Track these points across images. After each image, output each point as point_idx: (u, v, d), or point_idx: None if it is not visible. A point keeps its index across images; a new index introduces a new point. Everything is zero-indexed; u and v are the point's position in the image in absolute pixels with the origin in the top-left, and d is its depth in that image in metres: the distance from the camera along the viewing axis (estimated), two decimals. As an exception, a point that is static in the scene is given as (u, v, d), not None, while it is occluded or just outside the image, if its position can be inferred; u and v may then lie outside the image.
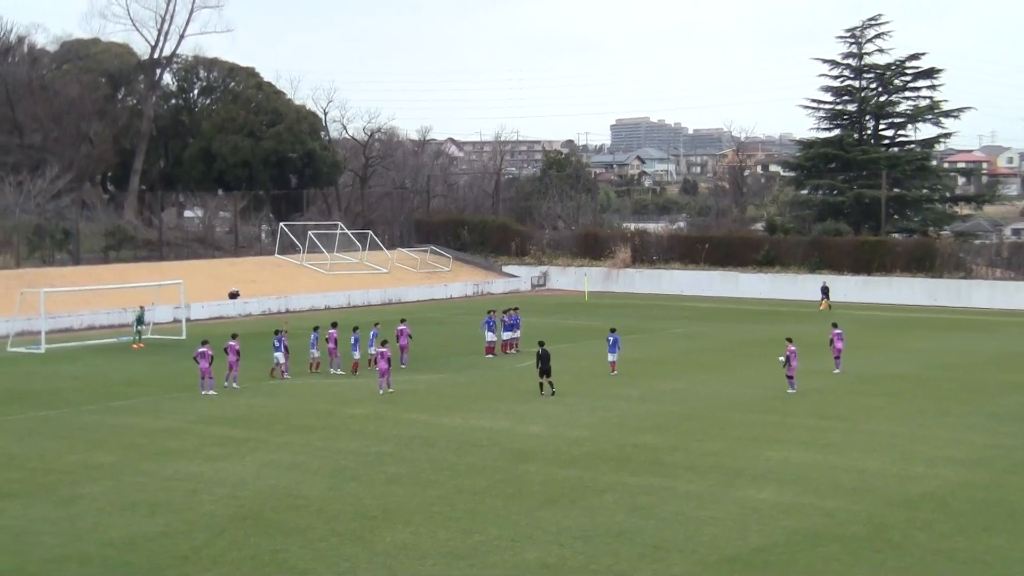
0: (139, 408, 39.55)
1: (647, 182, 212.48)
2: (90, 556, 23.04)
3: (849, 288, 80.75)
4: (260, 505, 26.68)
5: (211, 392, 42.01)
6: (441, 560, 22.74)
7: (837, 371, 46.25)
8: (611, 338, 46.34)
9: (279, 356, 45.63)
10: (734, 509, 26.26)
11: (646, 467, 30.48)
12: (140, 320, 57.01)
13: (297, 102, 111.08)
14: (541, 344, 42.49)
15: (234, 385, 43.21)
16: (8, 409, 39.40)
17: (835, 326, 48.36)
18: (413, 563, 22.54)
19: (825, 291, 76.15)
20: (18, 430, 35.80)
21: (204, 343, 42.92)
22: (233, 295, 72.40)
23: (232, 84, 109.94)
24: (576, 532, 24.46)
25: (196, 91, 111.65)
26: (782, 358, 42.13)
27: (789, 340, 43.13)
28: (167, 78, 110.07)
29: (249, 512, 26.10)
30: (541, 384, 41.54)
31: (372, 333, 47.27)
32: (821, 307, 74.02)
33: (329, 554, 23.07)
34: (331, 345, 46.75)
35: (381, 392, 41.86)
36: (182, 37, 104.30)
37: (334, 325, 48.02)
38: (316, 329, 48.35)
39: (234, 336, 44.51)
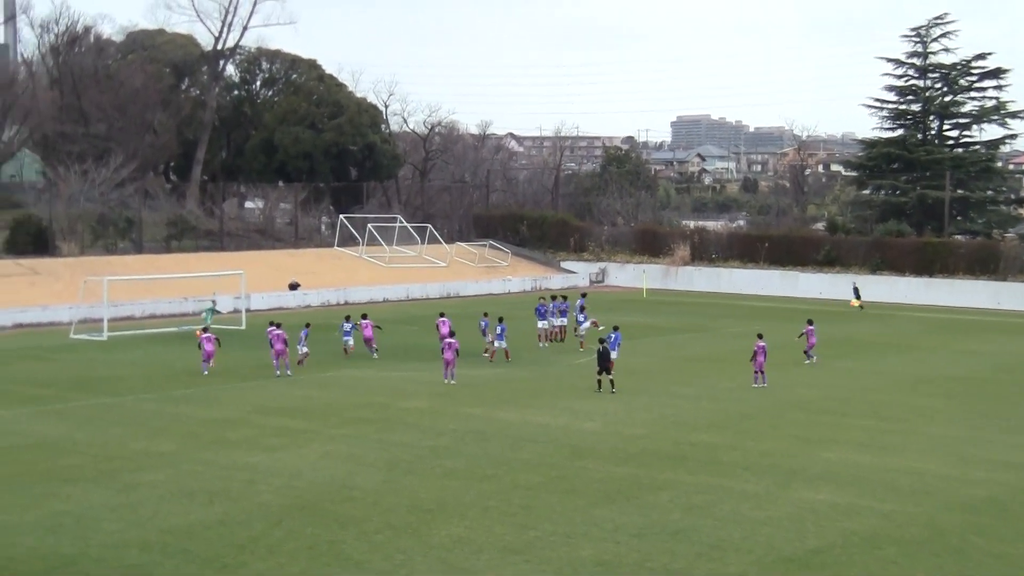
0: (198, 397, 39.91)
1: (707, 179, 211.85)
2: (150, 543, 23.28)
3: (910, 290, 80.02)
4: (316, 496, 26.85)
5: (288, 373, 43.52)
6: (496, 555, 22.78)
7: (808, 361, 48.42)
8: (613, 335, 45.16)
9: (349, 340, 48.50)
10: (791, 509, 26.13)
11: (702, 466, 30.39)
12: (212, 311, 57.31)
13: (358, 95, 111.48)
14: (602, 342, 42.70)
15: (287, 372, 43.98)
16: (72, 395, 39.89)
17: (810, 323, 49.80)
18: (468, 557, 22.60)
19: (856, 291, 75.91)
20: (81, 417, 36.24)
21: (277, 325, 44.40)
22: (293, 286, 72.82)
23: (294, 76, 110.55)
24: (632, 530, 24.42)
25: (258, 82, 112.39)
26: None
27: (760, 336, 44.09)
28: (230, 69, 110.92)
29: (306, 503, 26.27)
30: (599, 381, 41.48)
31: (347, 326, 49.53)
32: (851, 304, 73.92)
33: (384, 546, 23.17)
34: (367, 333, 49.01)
35: (446, 382, 42.15)
36: (245, 28, 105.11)
37: (364, 316, 49.24)
38: (348, 319, 49.95)
39: (277, 324, 45.43)
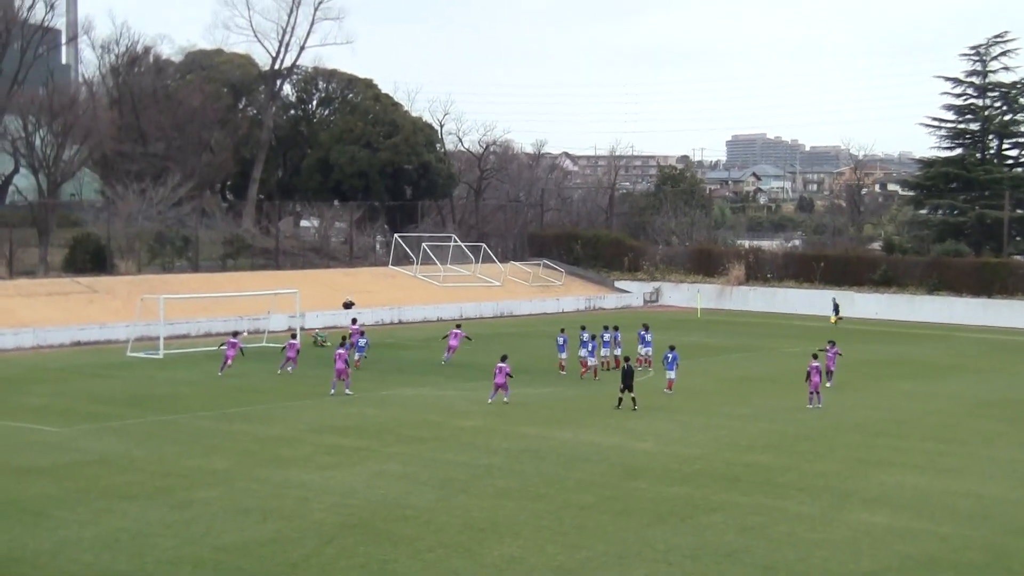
0: (253, 415, 40.12)
1: (762, 199, 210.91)
2: (204, 560, 23.39)
3: (969, 310, 79.29)
4: (369, 514, 26.87)
5: (347, 392, 43.70)
6: (548, 575, 22.69)
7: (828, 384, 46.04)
8: (670, 355, 45.73)
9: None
10: (846, 532, 25.88)
11: (757, 487, 30.18)
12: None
13: (414, 114, 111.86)
14: (627, 360, 43.35)
15: (346, 391, 44.11)
16: (129, 413, 40.21)
17: (832, 344, 48.56)
18: (521, 577, 22.53)
19: (836, 306, 77.39)
20: (139, 434, 36.51)
21: (341, 343, 43.99)
22: (347, 305, 73.07)
23: (350, 95, 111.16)
24: (685, 551, 24.28)
25: (315, 102, 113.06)
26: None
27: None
28: (287, 89, 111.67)
29: (358, 521, 26.29)
30: (620, 399, 41.68)
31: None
32: (832, 321, 75.11)
33: (437, 565, 23.15)
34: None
35: (491, 401, 42.25)
36: (303, 48, 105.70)
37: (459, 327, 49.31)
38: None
39: (342, 343, 45.36)
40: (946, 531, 26.13)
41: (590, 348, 49.38)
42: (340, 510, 27.21)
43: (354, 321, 57.89)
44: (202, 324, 65.00)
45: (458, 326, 57.76)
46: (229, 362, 49.61)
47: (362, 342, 51.94)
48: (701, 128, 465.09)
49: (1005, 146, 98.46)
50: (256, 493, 28.78)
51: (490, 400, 42.59)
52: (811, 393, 42.73)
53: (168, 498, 28.18)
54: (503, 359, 43.73)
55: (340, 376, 44.28)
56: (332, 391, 44.16)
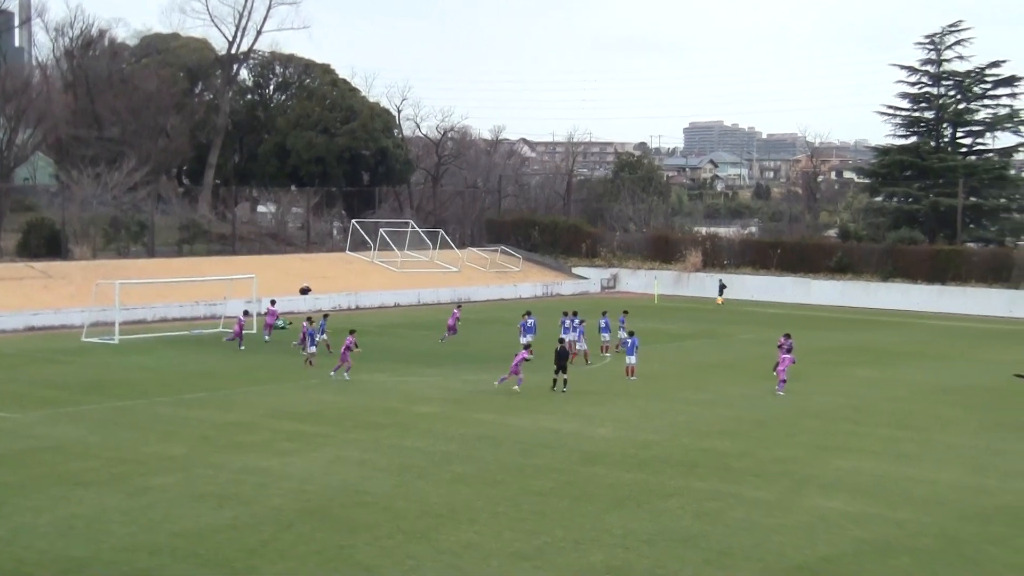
0: (211, 401, 39.92)
1: (719, 186, 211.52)
2: (160, 546, 23.26)
3: (923, 297, 79.86)
4: (327, 500, 26.82)
5: (345, 376, 43.81)
6: (506, 560, 22.74)
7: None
8: (629, 341, 46.05)
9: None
10: (802, 517, 26.04)
11: (714, 472, 30.32)
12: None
13: (371, 99, 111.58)
14: (560, 341, 44.09)
15: (344, 376, 44.25)
16: (85, 399, 39.92)
17: (787, 337, 47.59)
18: (478, 562, 22.56)
19: (721, 287, 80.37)
20: (95, 420, 36.25)
21: (351, 332, 44.83)
22: (304, 291, 72.86)
23: (307, 80, 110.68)
24: (642, 536, 24.37)
25: (272, 87, 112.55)
26: None
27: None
28: (244, 73, 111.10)
29: (316, 507, 26.24)
30: (555, 380, 42.05)
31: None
32: (717, 302, 78.30)
33: (394, 551, 23.14)
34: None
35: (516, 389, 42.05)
36: (259, 33, 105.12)
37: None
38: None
39: (351, 332, 45.36)
40: (902, 516, 26.33)
41: (578, 333, 49.79)
42: (298, 496, 27.14)
43: (272, 303, 58.51)
44: (158, 309, 64.58)
45: (458, 306, 59.52)
46: (240, 338, 53.07)
47: (280, 323, 54.92)
48: (659, 115, 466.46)
49: (959, 134, 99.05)
50: (214, 479, 28.65)
51: (496, 383, 42.44)
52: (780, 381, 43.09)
53: (124, 485, 28.00)
54: (527, 347, 43.90)
55: (343, 360, 44.29)
56: (332, 374, 44.30)
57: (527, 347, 44.32)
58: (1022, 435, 36.32)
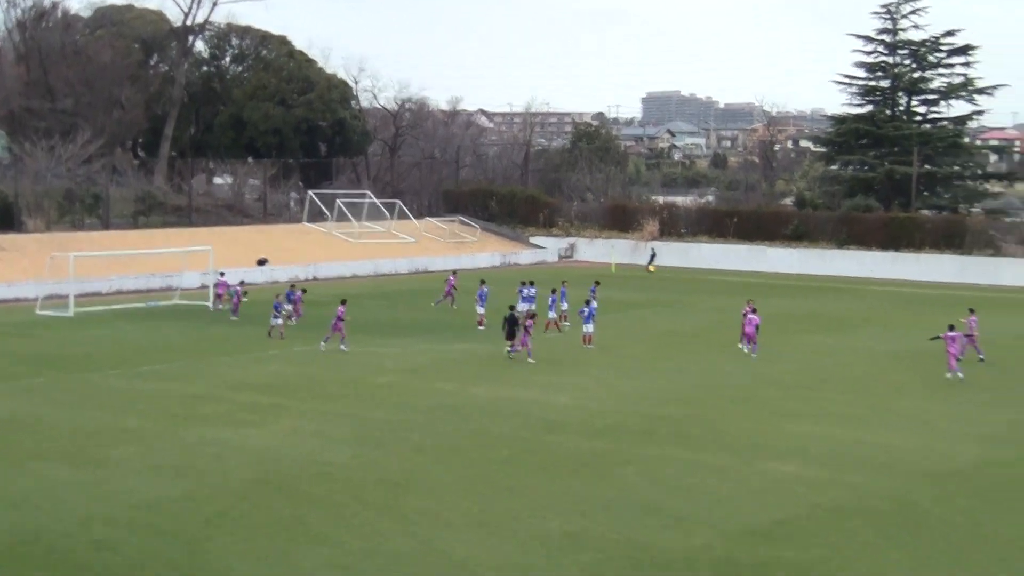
0: (168, 373, 39.76)
1: (677, 155, 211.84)
2: (116, 518, 23.22)
3: (877, 264, 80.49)
4: (286, 471, 26.81)
5: (342, 347, 43.77)
6: (465, 528, 22.83)
7: (747, 349, 44.90)
8: (586, 309, 46.17)
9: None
10: (758, 483, 26.29)
11: (672, 440, 30.51)
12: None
13: (328, 71, 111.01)
14: (511, 308, 44.47)
15: (338, 346, 44.13)
16: (40, 372, 39.65)
17: (751, 306, 46.75)
18: (437, 531, 22.63)
19: (652, 256, 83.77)
20: (50, 393, 36.04)
21: (342, 302, 44.96)
22: (261, 262, 72.62)
23: (264, 52, 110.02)
24: (599, 503, 24.52)
25: (228, 58, 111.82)
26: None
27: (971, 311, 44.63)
28: (199, 45, 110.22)
29: (274, 478, 26.23)
30: (509, 347, 42.50)
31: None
32: (649, 269, 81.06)
33: (352, 521, 23.19)
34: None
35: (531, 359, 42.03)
36: (215, 4, 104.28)
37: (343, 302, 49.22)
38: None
39: (342, 302, 45.47)
40: (855, 480, 26.61)
41: (550, 302, 50.30)
42: (256, 467, 27.12)
43: (221, 274, 59.05)
44: (113, 282, 64.16)
45: (453, 273, 61.03)
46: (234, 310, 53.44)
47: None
48: (617, 85, 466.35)
49: (914, 103, 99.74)
50: (170, 451, 28.58)
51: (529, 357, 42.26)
52: (749, 343, 44.12)
53: (81, 457, 27.90)
54: (531, 316, 44.35)
55: (336, 330, 44.19)
56: (325, 343, 44.22)
57: (531, 316, 44.54)
58: (972, 399, 36.73)
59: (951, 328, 40.71)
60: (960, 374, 39.61)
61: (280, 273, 71.72)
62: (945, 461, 28.62)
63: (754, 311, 45.54)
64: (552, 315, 50.01)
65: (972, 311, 45.19)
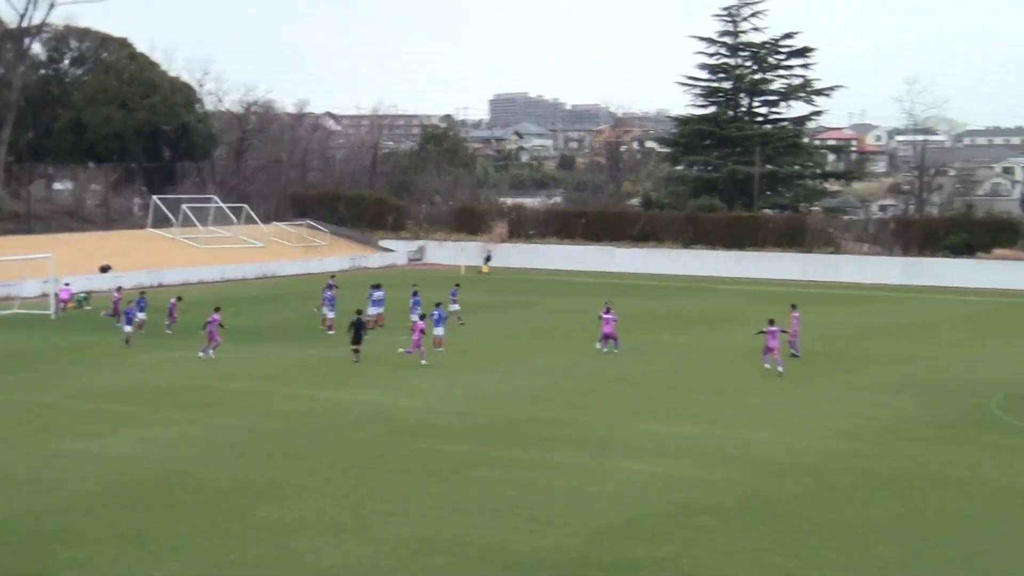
0: (19, 384, 38.81)
1: (524, 157, 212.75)
2: (-35, 534, 22.62)
3: (723, 263, 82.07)
4: (141, 481, 26.42)
5: (211, 355, 43.17)
6: (319, 534, 22.77)
7: (605, 349, 45.69)
8: (436, 312, 46.31)
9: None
10: (613, 481, 26.61)
11: (528, 441, 30.70)
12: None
13: (172, 74, 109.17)
14: (358, 313, 44.52)
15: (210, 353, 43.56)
16: None
17: (608, 304, 48.05)
18: (294, 538, 22.52)
19: (488, 257, 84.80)
20: None
21: (216, 309, 44.60)
22: (104, 269, 71.25)
23: (105, 55, 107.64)
24: (455, 505, 24.63)
25: (67, 61, 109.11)
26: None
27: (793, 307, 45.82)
28: (36, 47, 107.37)
29: (130, 488, 25.84)
30: (355, 350, 42.66)
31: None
32: (483, 271, 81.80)
33: (208, 530, 22.97)
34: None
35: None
36: (52, 5, 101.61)
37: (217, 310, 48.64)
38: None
39: (216, 309, 45.25)
40: (707, 477, 27.12)
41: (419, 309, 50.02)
42: (113, 478, 26.68)
43: (66, 284, 59.23)
44: (-49, 292, 62.31)
45: (332, 276, 60.24)
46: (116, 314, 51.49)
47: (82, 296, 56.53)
48: (464, 87, 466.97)
49: (755, 104, 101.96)
50: (22, 463, 27.96)
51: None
52: (604, 338, 44.93)
53: (-75, 473, 27.10)
54: (422, 317, 44.82)
55: (212, 338, 43.67)
56: (204, 353, 43.60)
57: (422, 317, 45.05)
58: (822, 393, 37.72)
59: (771, 323, 41.77)
60: (780, 368, 40.82)
61: (125, 280, 70.31)
62: (796, 455, 29.30)
63: (609, 311, 46.16)
64: (414, 318, 49.83)
65: (794, 307, 46.30)
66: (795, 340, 44.69)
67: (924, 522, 23.86)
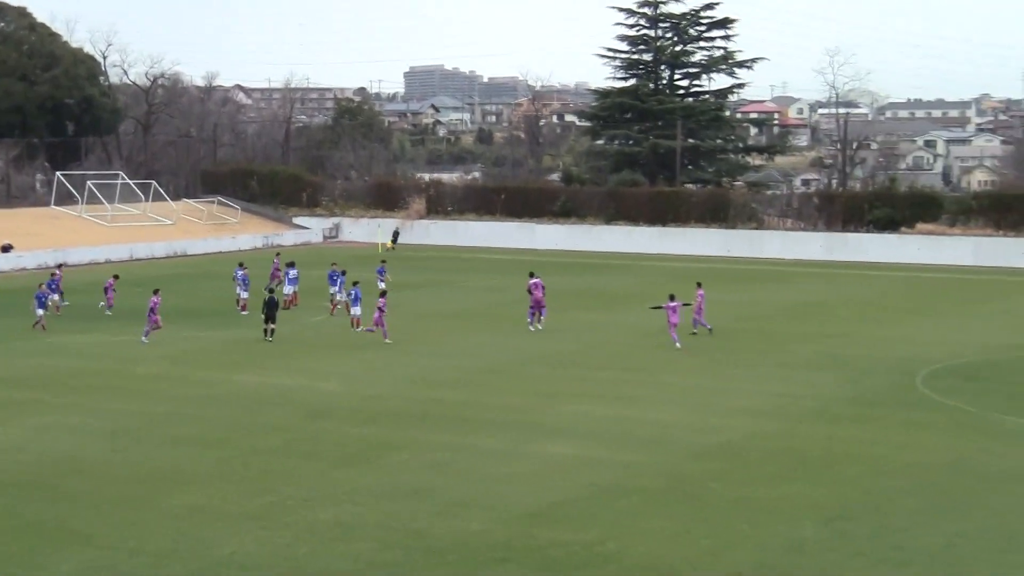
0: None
1: (441, 131, 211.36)
2: None
3: (646, 239, 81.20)
4: (42, 470, 25.41)
5: (143, 340, 41.54)
6: (233, 522, 21.94)
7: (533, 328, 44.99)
8: (353, 291, 45.36)
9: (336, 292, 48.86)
10: (533, 464, 26.00)
11: (445, 423, 30.01)
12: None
13: (74, 45, 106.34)
14: (270, 291, 43.93)
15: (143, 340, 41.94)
16: None
17: (532, 275, 47.11)
18: (204, 525, 21.68)
19: (396, 234, 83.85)
20: None
21: (156, 291, 42.78)
22: (6, 248, 69.00)
23: (2, 24, 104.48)
24: (373, 490, 23.88)
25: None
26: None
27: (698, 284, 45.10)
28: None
29: (30, 477, 24.80)
30: (265, 330, 41.92)
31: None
32: (388, 246, 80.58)
33: (114, 518, 22.08)
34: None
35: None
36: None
37: (115, 277, 46.87)
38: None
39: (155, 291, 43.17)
40: (629, 459, 26.53)
41: (339, 285, 49.10)
42: (10, 467, 25.62)
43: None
44: None
45: (277, 254, 58.61)
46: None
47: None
48: (378, 59, 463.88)
49: (676, 76, 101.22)
50: (-87, 454, 26.54)
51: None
52: (534, 307, 44.42)
53: None
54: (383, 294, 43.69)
55: (152, 321, 42.02)
56: (146, 338, 41.89)
57: (383, 294, 43.66)
58: (740, 373, 37.21)
59: (671, 298, 41.11)
60: (678, 344, 40.50)
61: (28, 260, 68.10)
62: (716, 435, 28.80)
63: (533, 275, 46.08)
64: (341, 296, 48.49)
65: (699, 284, 45.46)
66: (700, 316, 43.79)
67: (841, 500, 23.56)
